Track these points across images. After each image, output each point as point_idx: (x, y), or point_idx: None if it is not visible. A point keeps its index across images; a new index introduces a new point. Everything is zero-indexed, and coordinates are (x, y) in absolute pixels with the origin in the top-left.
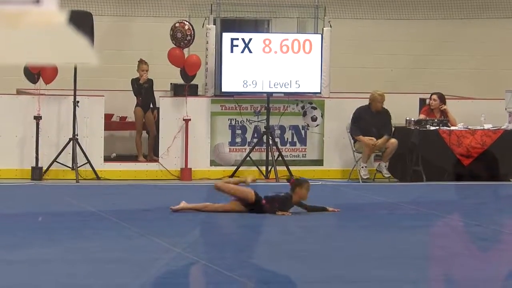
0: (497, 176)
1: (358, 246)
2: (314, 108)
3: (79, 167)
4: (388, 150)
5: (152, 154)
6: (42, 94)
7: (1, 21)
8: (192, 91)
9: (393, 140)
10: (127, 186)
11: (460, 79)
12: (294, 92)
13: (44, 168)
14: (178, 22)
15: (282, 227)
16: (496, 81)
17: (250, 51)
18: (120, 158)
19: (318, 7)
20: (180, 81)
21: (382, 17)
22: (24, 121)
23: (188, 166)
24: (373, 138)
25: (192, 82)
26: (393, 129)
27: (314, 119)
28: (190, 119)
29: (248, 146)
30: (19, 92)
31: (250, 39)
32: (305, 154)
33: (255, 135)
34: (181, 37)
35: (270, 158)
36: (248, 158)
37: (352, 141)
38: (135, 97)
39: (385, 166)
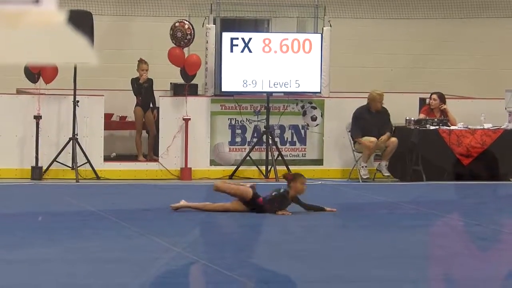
0: (497, 175)
1: (358, 246)
2: (314, 108)
3: (79, 166)
4: (388, 149)
5: (152, 153)
6: (42, 94)
7: (1, 21)
8: (192, 90)
9: (394, 139)
10: (127, 186)
11: (460, 78)
12: (294, 92)
13: (44, 168)
14: (178, 22)
15: (282, 226)
16: (496, 80)
17: (250, 51)
18: (120, 157)
19: (318, 6)
20: (180, 80)
21: (382, 17)
22: (24, 121)
23: (188, 166)
24: (374, 140)
25: (192, 82)
26: (393, 127)
27: (314, 118)
28: (190, 119)
29: (248, 145)
30: (19, 91)
31: (250, 39)
32: (305, 154)
33: (255, 135)
34: (181, 37)
35: (270, 157)
36: (248, 158)
37: (352, 141)
38: (135, 97)
39: (385, 165)
